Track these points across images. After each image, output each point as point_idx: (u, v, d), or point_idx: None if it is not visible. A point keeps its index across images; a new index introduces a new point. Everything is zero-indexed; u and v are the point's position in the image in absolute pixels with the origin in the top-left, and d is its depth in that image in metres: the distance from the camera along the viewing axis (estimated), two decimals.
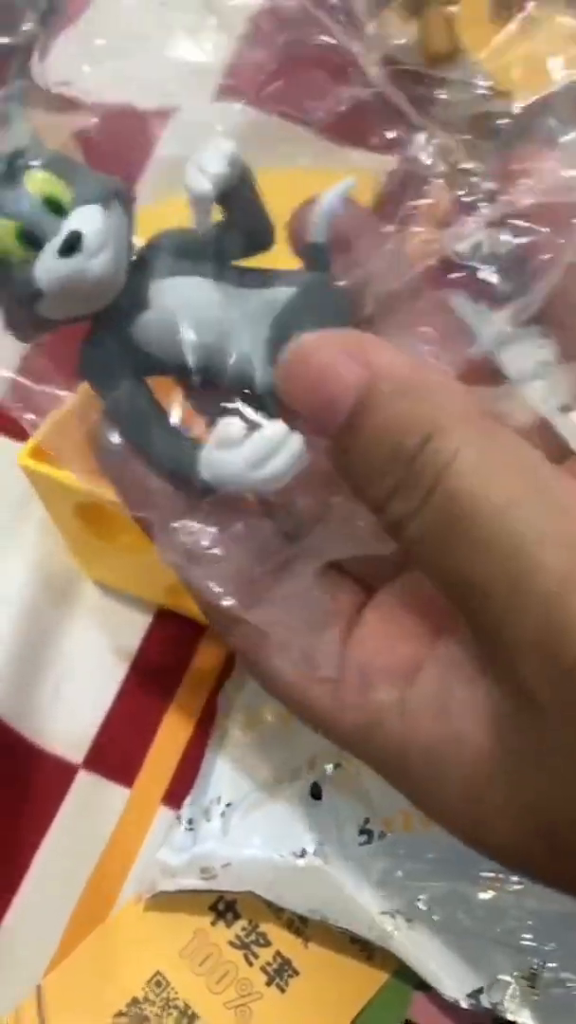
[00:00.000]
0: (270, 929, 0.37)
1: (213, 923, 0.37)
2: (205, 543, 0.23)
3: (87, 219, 0.21)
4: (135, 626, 0.43)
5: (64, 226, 0.21)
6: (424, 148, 0.26)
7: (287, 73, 0.26)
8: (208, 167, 0.22)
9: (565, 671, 0.19)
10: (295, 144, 0.28)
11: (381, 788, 0.37)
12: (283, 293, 0.23)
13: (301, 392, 0.21)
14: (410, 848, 0.36)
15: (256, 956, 0.36)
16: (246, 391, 0.23)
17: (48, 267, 0.21)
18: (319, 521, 0.24)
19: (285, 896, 0.35)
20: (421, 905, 0.35)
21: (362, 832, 0.37)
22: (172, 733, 0.41)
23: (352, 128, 0.27)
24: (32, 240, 0.21)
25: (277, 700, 0.25)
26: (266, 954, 0.36)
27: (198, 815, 0.39)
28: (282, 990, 0.36)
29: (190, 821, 0.38)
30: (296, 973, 0.36)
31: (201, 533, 0.23)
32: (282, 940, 0.37)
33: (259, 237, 0.24)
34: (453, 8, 0.28)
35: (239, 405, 0.23)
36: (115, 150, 0.26)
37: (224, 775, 0.39)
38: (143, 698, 0.42)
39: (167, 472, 0.23)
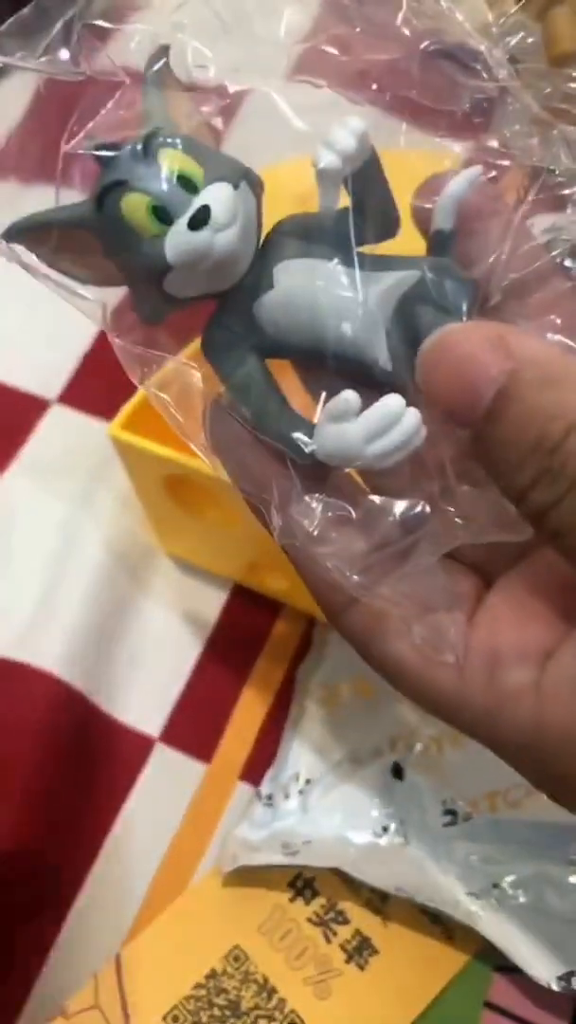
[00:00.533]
0: (349, 907, 0.37)
1: (292, 899, 0.37)
2: (324, 525, 0.23)
3: (217, 195, 0.22)
4: (211, 602, 0.43)
5: (195, 202, 0.21)
6: (552, 143, 0.26)
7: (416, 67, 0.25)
8: (337, 143, 0.23)
9: None
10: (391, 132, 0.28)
11: (465, 770, 0.37)
12: (408, 277, 0.23)
13: (443, 381, 0.21)
14: (496, 831, 0.36)
15: (335, 934, 0.36)
16: (364, 374, 0.23)
17: (178, 240, 0.22)
18: (439, 509, 0.23)
19: (368, 873, 0.35)
20: (508, 887, 0.35)
21: (446, 813, 0.37)
22: (249, 709, 0.41)
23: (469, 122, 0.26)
24: (164, 216, 0.22)
25: (394, 685, 0.25)
26: (345, 932, 0.36)
27: (277, 791, 0.38)
28: (361, 968, 0.36)
29: (269, 797, 0.38)
30: (376, 952, 0.36)
31: (321, 515, 0.23)
32: (361, 918, 0.37)
33: (385, 223, 0.24)
34: None
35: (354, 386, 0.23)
36: (244, 135, 0.26)
37: (303, 753, 0.39)
38: (219, 675, 0.42)
39: (284, 450, 0.23)
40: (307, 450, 0.22)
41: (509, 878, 0.35)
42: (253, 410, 0.23)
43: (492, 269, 0.23)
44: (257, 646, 0.42)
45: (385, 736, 0.39)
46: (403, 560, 0.23)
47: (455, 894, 0.35)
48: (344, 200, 0.24)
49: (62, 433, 0.48)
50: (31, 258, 0.23)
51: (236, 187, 0.22)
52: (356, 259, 0.23)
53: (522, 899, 0.34)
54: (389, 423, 0.21)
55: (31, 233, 0.23)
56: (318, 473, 0.23)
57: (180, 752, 0.40)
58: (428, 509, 0.23)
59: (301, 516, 0.23)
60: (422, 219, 0.24)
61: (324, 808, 0.38)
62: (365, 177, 0.23)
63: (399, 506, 0.23)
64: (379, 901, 0.37)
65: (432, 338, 0.21)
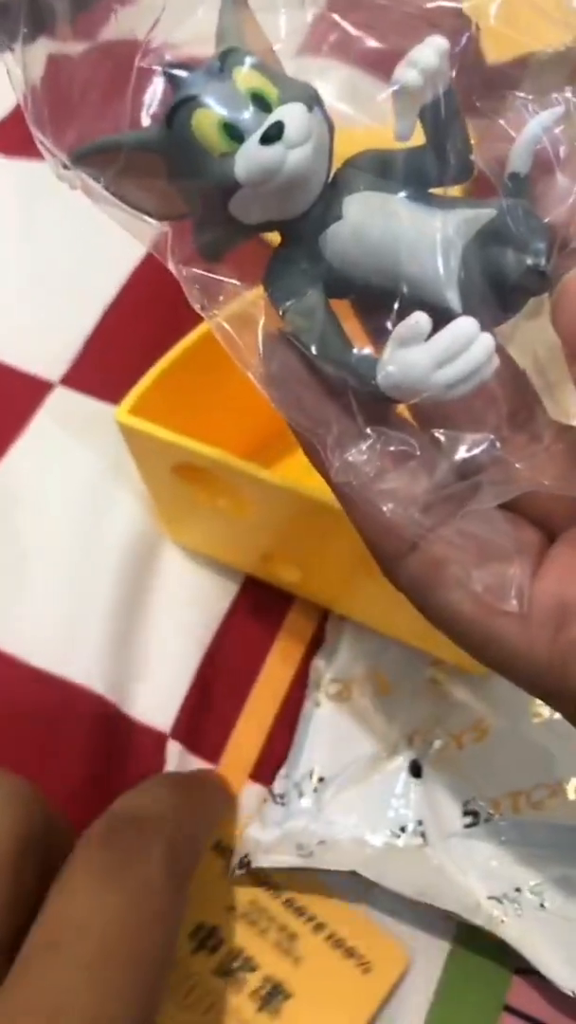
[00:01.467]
0: (257, 952, 0.34)
1: (194, 952, 0.34)
2: (385, 462, 0.22)
3: (291, 113, 0.21)
4: (222, 594, 0.42)
5: (269, 119, 0.21)
6: None
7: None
8: (420, 60, 0.22)
9: None
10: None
11: (486, 768, 0.36)
12: (484, 214, 0.22)
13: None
14: (520, 832, 0.35)
15: (244, 983, 0.34)
16: (433, 311, 0.22)
17: (249, 155, 0.21)
18: (505, 450, 0.23)
19: (387, 876, 0.34)
20: (531, 891, 0.33)
21: (467, 813, 0.35)
22: (260, 707, 0.40)
23: None
24: (235, 133, 0.21)
25: (452, 638, 0.24)
26: (254, 980, 0.34)
27: (290, 789, 0.37)
28: (274, 1015, 0.33)
29: (281, 795, 0.37)
30: (289, 996, 0.34)
31: (382, 451, 0.22)
32: (271, 962, 0.34)
33: (459, 164, 0.23)
34: None
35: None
36: None
37: (316, 750, 0.38)
38: (230, 669, 0.41)
39: (347, 379, 0.22)
40: (372, 382, 0.22)
41: (532, 882, 0.34)
42: (316, 339, 0.22)
43: (570, 214, 0.22)
44: (268, 640, 0.41)
45: (402, 732, 0.38)
46: (465, 502, 0.22)
47: (476, 898, 0.34)
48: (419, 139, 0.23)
49: (66, 416, 0.46)
50: (95, 187, 0.23)
51: (311, 109, 0.21)
52: (426, 197, 0.22)
53: (546, 904, 0.33)
54: (460, 347, 0.21)
55: (98, 156, 0.22)
56: (379, 410, 0.23)
57: (188, 750, 0.39)
58: (489, 445, 0.22)
59: (360, 452, 0.22)
60: (492, 163, 0.23)
61: (339, 807, 0.37)
62: (442, 111, 0.22)
63: (466, 442, 0.22)
64: (288, 941, 0.34)
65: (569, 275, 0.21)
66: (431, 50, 0.22)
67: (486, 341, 0.21)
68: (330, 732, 0.39)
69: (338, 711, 0.39)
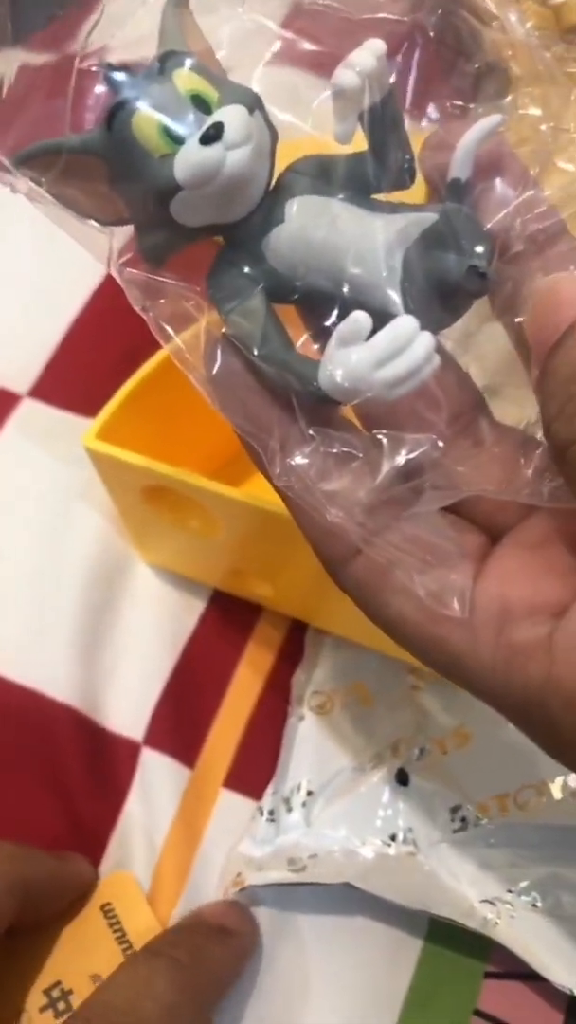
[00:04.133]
0: None
1: (42, 1009, 0.34)
2: (328, 465, 0.22)
3: (231, 115, 0.21)
4: (191, 609, 0.42)
5: (208, 120, 0.21)
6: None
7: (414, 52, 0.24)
8: (357, 62, 0.22)
9: None
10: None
11: (472, 772, 0.36)
12: (425, 219, 0.22)
13: (539, 320, 0.21)
14: (508, 834, 0.35)
15: None
16: (374, 314, 0.22)
17: (188, 156, 0.21)
18: (447, 453, 0.23)
19: (380, 886, 0.34)
20: (523, 892, 0.34)
21: (455, 819, 0.36)
22: (232, 714, 0.40)
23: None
24: (175, 135, 0.21)
25: (398, 642, 0.24)
26: None
27: (279, 805, 0.37)
28: None
29: (271, 812, 0.37)
30: None
31: (324, 454, 0.22)
32: None
33: (400, 170, 0.23)
34: None
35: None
36: None
37: (303, 764, 0.38)
38: (200, 678, 0.41)
39: (289, 383, 0.22)
40: (313, 384, 0.22)
41: (524, 883, 0.34)
42: (257, 341, 0.22)
43: (510, 219, 0.23)
44: (238, 649, 0.41)
45: (387, 741, 0.38)
46: (408, 505, 0.22)
47: (469, 902, 0.34)
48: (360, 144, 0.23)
49: (35, 429, 0.46)
50: (38, 190, 0.23)
51: (251, 112, 0.21)
52: (367, 202, 0.23)
53: (539, 904, 0.33)
54: (400, 346, 0.21)
55: (39, 159, 0.22)
56: (322, 413, 0.23)
57: (165, 755, 0.39)
58: (430, 447, 0.22)
59: (302, 456, 0.22)
60: (434, 169, 0.24)
61: (328, 820, 0.37)
62: (382, 116, 0.23)
63: (407, 444, 0.22)
64: None
65: (543, 281, 0.22)
66: (368, 52, 0.22)
67: (426, 340, 0.21)
68: (315, 745, 0.39)
69: (322, 724, 0.39)
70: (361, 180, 0.23)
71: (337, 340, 0.21)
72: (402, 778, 0.37)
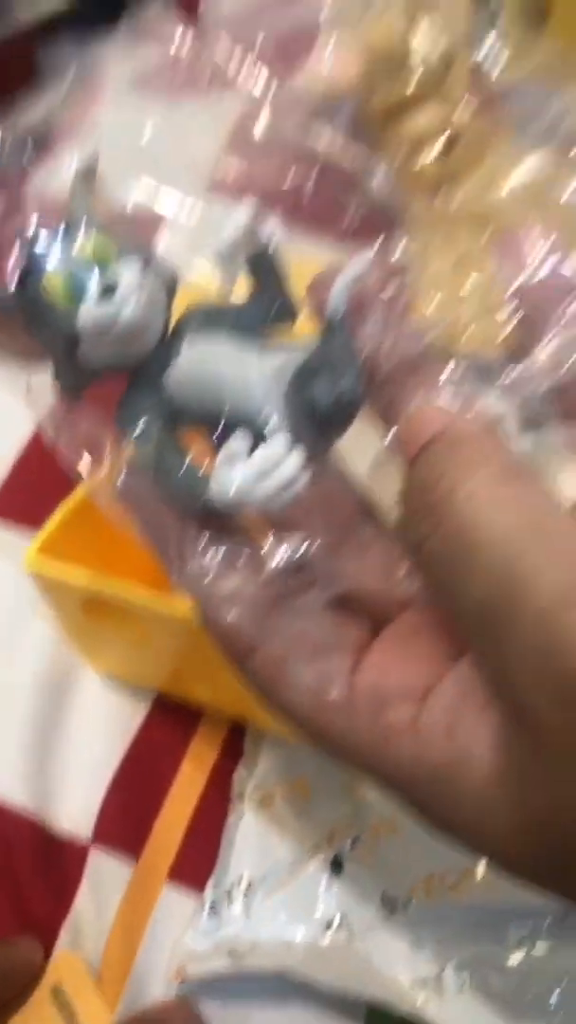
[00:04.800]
0: None
1: None
2: (218, 572, 0.25)
3: (125, 271, 0.24)
4: (137, 711, 0.44)
5: (105, 277, 0.24)
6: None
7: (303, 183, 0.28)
8: (225, 231, 0.26)
9: (560, 686, 0.20)
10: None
11: (401, 857, 0.38)
12: (301, 354, 0.25)
13: (406, 435, 0.24)
14: (435, 915, 0.36)
15: None
16: (260, 438, 0.25)
17: (88, 310, 0.24)
18: (332, 553, 0.25)
19: (317, 973, 0.36)
20: (451, 972, 0.35)
21: (385, 903, 0.37)
22: (176, 811, 0.42)
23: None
24: (78, 291, 0.24)
25: (294, 729, 0.26)
26: None
27: (220, 898, 0.39)
28: None
29: (212, 905, 0.39)
30: None
31: (214, 562, 0.25)
32: None
33: (282, 309, 0.26)
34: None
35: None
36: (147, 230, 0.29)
37: (244, 856, 0.40)
38: (145, 776, 0.43)
39: (183, 501, 0.25)
40: (203, 498, 0.25)
41: (451, 964, 0.35)
42: (154, 462, 0.25)
43: (380, 349, 0.26)
44: (182, 746, 0.43)
45: (323, 832, 0.40)
46: (292, 605, 0.25)
47: (401, 985, 0.35)
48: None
49: None
50: None
51: (144, 267, 0.25)
52: (255, 339, 0.26)
53: (467, 984, 0.35)
54: (273, 464, 0.24)
55: None
56: (217, 522, 0.25)
57: (111, 855, 0.41)
58: (314, 548, 0.25)
59: (197, 561, 0.25)
60: (317, 306, 0.26)
61: (268, 910, 0.38)
62: (260, 266, 0.26)
63: (286, 547, 0.25)
64: None
65: (411, 410, 0.25)
66: (232, 224, 0.25)
67: (295, 459, 0.24)
68: (256, 839, 0.40)
69: (262, 819, 0.41)
70: (249, 319, 0.26)
71: (221, 459, 0.24)
72: (336, 867, 0.39)
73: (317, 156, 0.30)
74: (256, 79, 0.31)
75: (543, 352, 0.26)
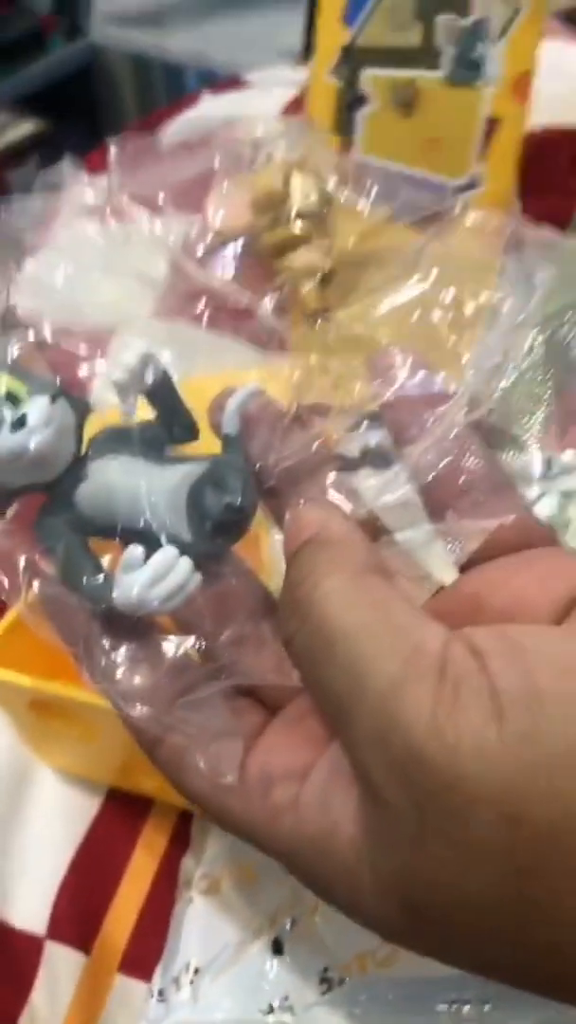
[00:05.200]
0: None
1: None
2: (125, 670, 0.27)
3: (34, 405, 0.27)
4: (89, 804, 0.46)
5: (16, 412, 0.27)
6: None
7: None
8: (123, 362, 0.29)
9: (396, 761, 0.22)
10: (228, 352, 0.35)
11: (337, 935, 0.40)
12: (197, 469, 0.28)
13: (285, 543, 0.27)
14: (369, 991, 0.38)
15: None
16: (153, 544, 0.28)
17: (1, 441, 0.27)
18: (233, 647, 0.28)
19: None
20: None
21: (323, 981, 0.39)
22: (126, 903, 0.44)
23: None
24: None
25: (201, 811, 0.28)
26: None
27: (168, 985, 0.40)
28: None
29: (160, 992, 0.40)
30: None
31: (120, 657, 0.28)
32: None
33: (183, 430, 0.30)
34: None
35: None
36: (68, 361, 0.31)
37: (191, 942, 0.41)
38: (97, 870, 0.45)
39: (94, 605, 0.28)
40: (106, 602, 0.27)
41: None
42: (62, 571, 0.28)
43: (268, 461, 0.29)
44: (132, 840, 0.45)
45: (266, 915, 0.42)
46: (195, 695, 0.27)
47: None
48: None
49: None
50: None
51: (53, 400, 0.28)
52: (157, 457, 0.29)
53: None
54: (167, 568, 0.26)
55: None
56: (123, 622, 0.28)
57: (64, 946, 0.42)
58: (214, 642, 0.28)
59: (103, 660, 0.27)
60: (215, 425, 0.30)
61: (214, 995, 0.40)
62: (159, 391, 0.29)
63: (185, 643, 0.28)
64: None
65: (294, 509, 0.28)
66: (128, 351, 0.28)
67: (185, 563, 0.27)
68: (203, 924, 0.42)
69: (209, 904, 0.43)
70: (150, 439, 0.29)
71: (121, 566, 0.27)
72: (277, 947, 0.40)
73: (214, 290, 0.33)
74: (159, 225, 0.35)
75: (409, 458, 0.29)
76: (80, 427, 0.29)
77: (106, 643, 0.28)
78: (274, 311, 0.33)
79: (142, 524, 0.28)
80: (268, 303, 0.33)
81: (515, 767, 0.21)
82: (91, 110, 1.68)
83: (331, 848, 0.24)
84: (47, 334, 0.32)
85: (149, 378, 0.29)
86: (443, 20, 0.59)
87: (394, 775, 0.22)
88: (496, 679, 0.22)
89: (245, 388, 0.30)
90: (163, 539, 0.27)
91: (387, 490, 0.29)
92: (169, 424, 0.30)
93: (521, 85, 0.62)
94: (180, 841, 0.45)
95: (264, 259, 0.35)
